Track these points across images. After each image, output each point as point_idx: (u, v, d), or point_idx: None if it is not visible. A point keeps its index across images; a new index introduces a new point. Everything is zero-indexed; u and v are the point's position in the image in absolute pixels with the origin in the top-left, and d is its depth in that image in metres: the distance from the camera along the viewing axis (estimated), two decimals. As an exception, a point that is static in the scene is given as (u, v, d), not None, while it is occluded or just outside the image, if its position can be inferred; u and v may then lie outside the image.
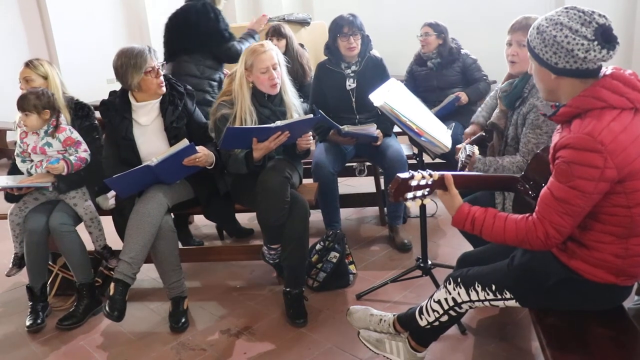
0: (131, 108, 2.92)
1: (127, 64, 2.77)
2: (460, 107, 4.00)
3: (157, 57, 2.86)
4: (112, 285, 2.68)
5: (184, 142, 2.72)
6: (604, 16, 1.64)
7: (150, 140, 2.93)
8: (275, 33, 4.10)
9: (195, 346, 2.73)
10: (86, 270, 3.01)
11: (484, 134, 2.66)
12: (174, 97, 2.94)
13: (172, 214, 2.97)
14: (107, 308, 2.64)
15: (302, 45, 4.30)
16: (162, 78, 2.88)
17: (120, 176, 2.68)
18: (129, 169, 2.75)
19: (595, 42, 1.61)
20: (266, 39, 3.77)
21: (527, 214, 1.76)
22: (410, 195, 1.81)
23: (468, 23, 6.22)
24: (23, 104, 2.81)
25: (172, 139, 2.89)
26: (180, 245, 3.16)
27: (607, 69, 1.71)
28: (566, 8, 1.68)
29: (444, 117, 3.62)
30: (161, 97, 2.92)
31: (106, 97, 3.00)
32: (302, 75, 3.99)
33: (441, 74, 4.21)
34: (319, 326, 2.81)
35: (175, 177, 2.88)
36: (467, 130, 2.92)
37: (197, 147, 2.75)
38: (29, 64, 3.01)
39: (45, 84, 2.99)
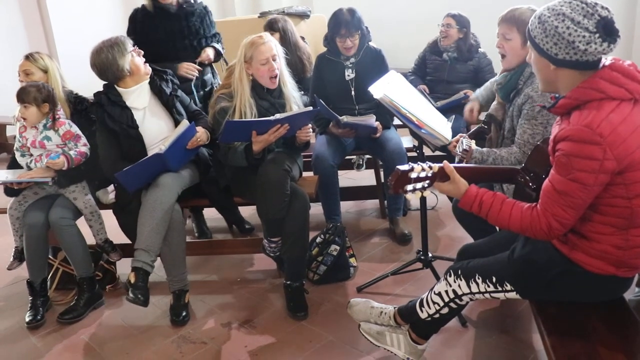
0: (122, 98, 2.91)
1: (111, 52, 2.79)
2: (463, 103, 3.98)
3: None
4: (132, 274, 2.68)
5: (185, 123, 2.78)
6: (606, 8, 1.63)
7: (152, 120, 2.94)
8: (267, 27, 4.07)
9: (196, 339, 2.73)
10: (86, 264, 3.01)
11: (483, 125, 2.66)
12: (159, 73, 3.01)
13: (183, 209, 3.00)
14: (131, 294, 2.63)
15: (303, 39, 4.26)
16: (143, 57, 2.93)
17: (131, 168, 2.69)
18: (131, 164, 2.75)
19: (597, 35, 1.60)
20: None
21: (534, 204, 1.75)
22: (410, 187, 1.81)
23: (468, 13, 6.18)
24: (23, 96, 2.81)
25: (173, 109, 2.95)
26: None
27: (606, 60, 1.70)
28: (560, 9, 1.66)
29: (446, 110, 3.61)
30: (149, 77, 2.95)
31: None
32: (301, 70, 3.95)
33: (454, 68, 4.17)
34: (320, 319, 2.81)
35: (181, 161, 2.90)
36: (467, 107, 2.91)
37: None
38: (29, 57, 2.99)
39: (44, 78, 2.97)
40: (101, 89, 2.96)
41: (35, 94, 2.80)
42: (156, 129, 2.93)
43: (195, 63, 3.53)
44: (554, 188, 1.67)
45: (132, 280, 2.67)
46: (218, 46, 3.69)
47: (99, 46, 2.81)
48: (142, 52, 2.92)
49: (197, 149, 2.94)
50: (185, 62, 3.49)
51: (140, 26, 3.54)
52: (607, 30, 1.61)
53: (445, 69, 4.21)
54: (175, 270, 2.88)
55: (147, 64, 2.94)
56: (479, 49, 4.20)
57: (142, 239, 2.70)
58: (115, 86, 2.90)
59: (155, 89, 2.96)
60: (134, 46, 2.89)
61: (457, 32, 4.12)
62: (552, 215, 1.68)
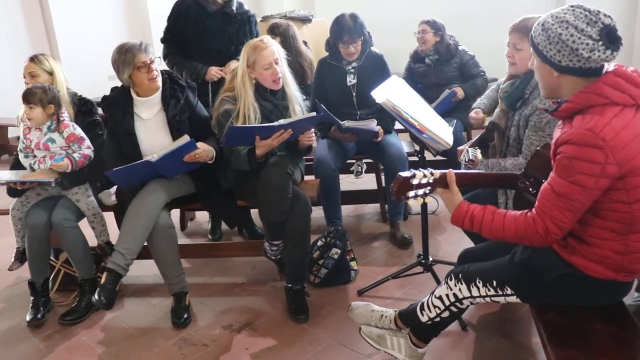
0: (133, 103, 2.93)
1: (119, 59, 2.81)
2: (459, 104, 4.02)
3: (149, 51, 2.85)
4: (104, 274, 2.70)
5: (185, 139, 2.74)
6: (609, 16, 1.64)
7: (153, 134, 2.94)
8: (269, 31, 4.08)
9: (197, 341, 2.74)
10: (88, 265, 3.02)
11: (485, 134, 2.67)
12: (176, 90, 2.96)
13: (173, 209, 3.00)
14: (96, 295, 2.65)
15: (305, 43, 4.26)
16: (155, 72, 2.87)
17: (121, 169, 2.70)
18: (130, 163, 2.77)
19: (600, 42, 1.62)
20: None
21: (526, 210, 1.77)
22: (412, 193, 1.83)
23: (466, 19, 6.23)
24: (29, 97, 2.82)
25: (175, 133, 2.91)
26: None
27: (609, 65, 1.72)
28: (572, 6, 1.68)
29: (444, 113, 3.63)
30: (161, 91, 2.93)
31: (107, 92, 3.00)
32: (301, 76, 3.94)
33: (439, 70, 4.24)
34: (321, 322, 2.82)
35: (175, 172, 2.89)
36: (471, 113, 2.92)
37: (197, 144, 2.76)
38: (34, 59, 3.00)
39: (50, 80, 2.98)
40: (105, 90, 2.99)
41: (41, 95, 2.82)
42: (154, 141, 2.92)
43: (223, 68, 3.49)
44: (553, 190, 1.68)
45: (103, 280, 2.68)
46: None
47: (118, 47, 2.83)
48: (153, 69, 2.85)
49: (197, 164, 2.85)
50: (212, 64, 3.46)
51: (178, 16, 3.53)
52: (610, 38, 1.63)
53: (431, 73, 4.28)
54: (169, 274, 2.89)
55: (156, 80, 2.87)
56: (459, 47, 4.27)
57: (121, 242, 2.72)
58: (131, 90, 2.92)
59: (165, 105, 2.94)
60: (150, 58, 2.83)
61: (432, 36, 4.23)
62: (549, 218, 1.69)
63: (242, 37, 3.56)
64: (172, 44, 3.56)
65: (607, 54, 1.63)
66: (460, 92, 4.03)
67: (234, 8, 3.54)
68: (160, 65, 2.95)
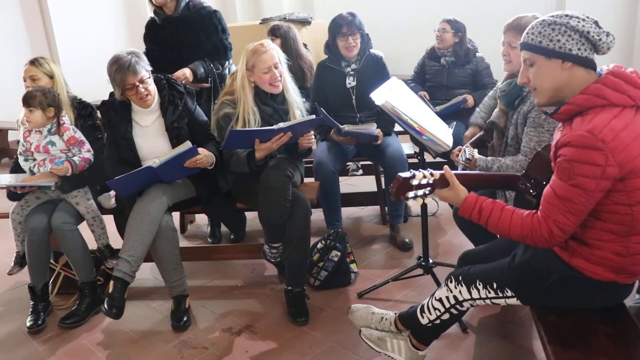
0: (131, 109, 2.93)
1: (111, 77, 2.80)
2: (463, 108, 4.01)
3: (138, 70, 2.76)
4: (111, 283, 2.69)
5: (187, 145, 2.73)
6: None
7: (152, 140, 2.94)
8: (270, 32, 4.09)
9: (197, 344, 2.74)
10: (88, 268, 3.01)
11: (485, 133, 2.67)
12: (174, 97, 2.95)
13: (173, 212, 2.98)
14: (105, 306, 2.65)
15: (305, 46, 4.27)
16: (143, 93, 2.81)
17: (122, 177, 2.69)
18: (130, 168, 2.77)
19: (601, 30, 1.69)
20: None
21: (534, 211, 1.76)
22: (411, 194, 1.83)
23: (468, 21, 6.21)
24: (29, 100, 2.82)
25: (174, 139, 2.91)
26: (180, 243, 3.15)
27: (608, 67, 1.72)
28: (563, 12, 1.74)
29: (446, 116, 3.62)
30: (159, 98, 2.93)
31: (107, 96, 2.99)
32: (301, 78, 3.94)
33: (452, 72, 4.21)
34: (321, 324, 2.82)
35: (175, 176, 2.89)
36: (467, 133, 2.92)
37: (198, 149, 2.75)
38: (34, 62, 2.99)
39: (50, 83, 2.98)
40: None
41: (41, 98, 2.82)
42: (154, 147, 2.92)
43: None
44: (555, 194, 1.68)
45: (110, 290, 2.67)
46: (198, 67, 3.43)
47: (111, 60, 2.78)
48: (141, 91, 2.79)
49: (196, 169, 2.83)
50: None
51: (146, 36, 3.55)
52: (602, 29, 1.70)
53: (444, 74, 4.25)
54: (171, 278, 2.88)
55: (145, 100, 2.83)
56: (477, 54, 4.23)
57: (126, 249, 2.71)
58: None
59: (163, 111, 2.94)
60: (140, 78, 2.77)
61: (452, 36, 4.18)
62: (553, 221, 1.69)
63: (198, 37, 3.44)
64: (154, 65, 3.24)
65: (610, 39, 1.69)
66: (470, 100, 4.01)
67: (179, 11, 3.42)
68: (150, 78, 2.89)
